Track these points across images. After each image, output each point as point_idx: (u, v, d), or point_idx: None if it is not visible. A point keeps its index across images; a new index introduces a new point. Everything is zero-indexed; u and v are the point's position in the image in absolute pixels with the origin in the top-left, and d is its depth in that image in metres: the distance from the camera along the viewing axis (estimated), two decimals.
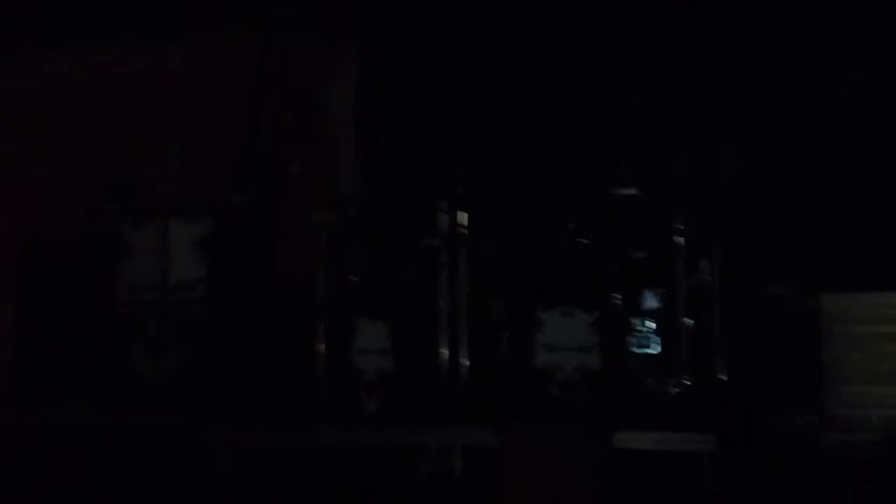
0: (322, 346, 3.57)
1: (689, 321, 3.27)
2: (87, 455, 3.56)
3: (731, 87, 4.00)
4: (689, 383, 3.20)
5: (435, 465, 3.12)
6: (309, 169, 4.29)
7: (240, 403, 3.56)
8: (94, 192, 3.98)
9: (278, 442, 3.50)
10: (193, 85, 4.42)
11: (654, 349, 3.28)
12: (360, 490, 3.31)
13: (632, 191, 3.51)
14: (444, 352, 3.41)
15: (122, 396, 3.67)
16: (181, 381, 3.67)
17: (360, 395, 3.43)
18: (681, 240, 3.29)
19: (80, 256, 3.92)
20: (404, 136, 4.35)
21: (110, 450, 3.54)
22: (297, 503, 3.42)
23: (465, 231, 3.53)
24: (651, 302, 3.32)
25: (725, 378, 3.22)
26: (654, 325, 3.29)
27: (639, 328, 3.31)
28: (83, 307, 3.83)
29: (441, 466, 3.12)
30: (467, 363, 3.42)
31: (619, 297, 3.32)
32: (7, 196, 4.49)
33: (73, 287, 3.86)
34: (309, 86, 4.49)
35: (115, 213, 3.88)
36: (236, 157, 4.21)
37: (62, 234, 4.05)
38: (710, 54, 4.01)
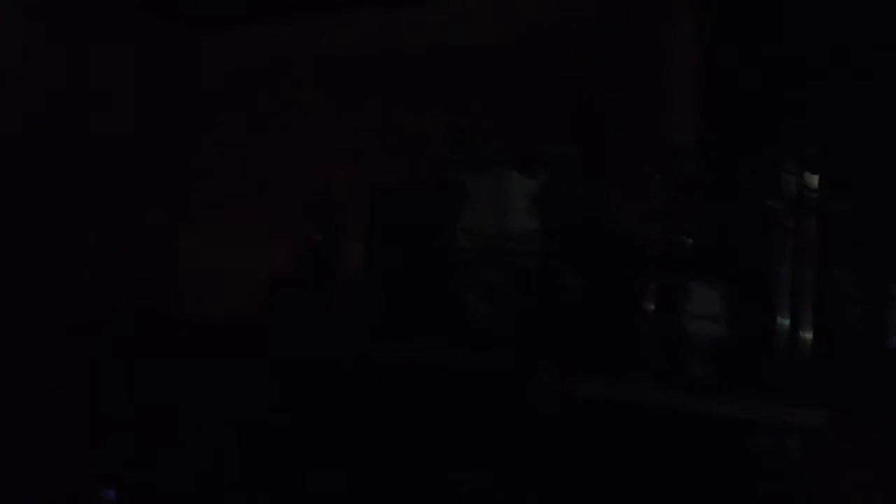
0: (650, 306, 3.51)
1: None
2: (421, 392, 3.84)
3: None
4: None
5: (769, 445, 2.97)
6: (644, 119, 4.19)
7: (565, 352, 3.63)
8: (437, 143, 4.20)
9: (599, 395, 3.52)
10: (529, 33, 4.47)
11: None
12: (678, 458, 3.26)
13: None
14: (784, 323, 3.21)
15: (458, 338, 3.89)
16: (513, 326, 3.82)
17: (687, 361, 3.34)
18: None
19: (424, 205, 4.18)
20: (751, 87, 4.07)
21: (438, 389, 3.79)
22: (608, 459, 3.44)
23: (814, 194, 3.25)
24: None
25: None
26: None
27: None
28: (427, 253, 4.10)
29: (776, 446, 2.97)
30: (808, 336, 3.18)
31: None
32: (358, 148, 4.88)
33: (418, 234, 4.14)
34: (645, 30, 4.35)
35: (457, 163, 4.08)
36: (570, 107, 4.22)
37: (408, 183, 4.32)
38: None
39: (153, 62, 5.64)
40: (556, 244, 3.80)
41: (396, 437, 3.94)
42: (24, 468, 4.33)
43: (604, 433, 3.47)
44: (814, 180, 3.25)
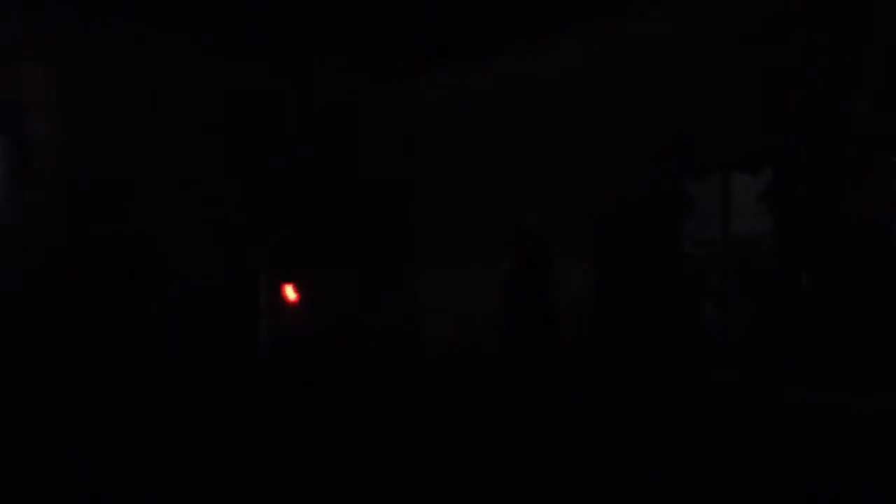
0: None
1: None
2: (654, 407, 3.74)
3: None
4: None
5: None
6: (878, 104, 3.89)
7: (809, 361, 3.42)
8: (656, 150, 4.13)
9: (851, 405, 3.27)
10: (745, 32, 4.28)
11: None
12: None
13: None
14: None
15: (691, 351, 3.78)
16: (750, 337, 3.65)
17: None
18: None
19: (645, 214, 4.12)
20: None
21: (677, 402, 3.67)
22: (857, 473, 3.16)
23: None
24: None
25: None
26: None
27: None
28: (655, 265, 4.03)
29: None
30: None
31: None
32: (575, 162, 4.88)
33: (645, 246, 4.08)
34: (872, 16, 4.05)
35: (677, 169, 3.99)
36: (795, 102, 4.00)
37: (629, 193, 4.27)
38: None
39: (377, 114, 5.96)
40: (790, 244, 3.61)
41: (635, 455, 3.86)
42: None
43: (863, 446, 3.21)
44: None
